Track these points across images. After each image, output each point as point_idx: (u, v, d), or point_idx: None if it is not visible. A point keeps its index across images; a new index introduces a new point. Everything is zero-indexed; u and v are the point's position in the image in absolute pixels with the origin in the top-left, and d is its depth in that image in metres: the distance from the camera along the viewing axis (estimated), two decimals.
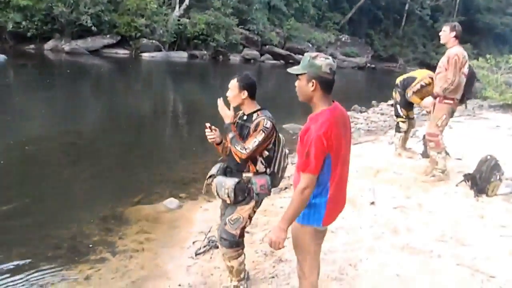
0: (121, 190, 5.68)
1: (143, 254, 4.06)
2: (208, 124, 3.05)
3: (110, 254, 4.03)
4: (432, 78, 5.95)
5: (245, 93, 2.92)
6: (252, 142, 2.82)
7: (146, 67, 21.33)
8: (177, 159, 7.53)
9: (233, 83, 2.94)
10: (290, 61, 28.38)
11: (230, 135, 2.91)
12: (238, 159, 2.90)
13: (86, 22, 20.46)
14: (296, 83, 2.38)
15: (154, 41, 23.28)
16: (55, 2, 19.81)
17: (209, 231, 4.30)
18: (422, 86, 6.14)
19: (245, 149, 2.83)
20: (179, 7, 25.21)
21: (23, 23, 19.35)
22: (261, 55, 28.92)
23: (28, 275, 3.67)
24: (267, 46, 29.48)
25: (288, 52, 29.66)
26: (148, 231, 4.51)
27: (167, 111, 12.19)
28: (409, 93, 6.27)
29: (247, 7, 28.02)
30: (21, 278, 3.62)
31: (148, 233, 4.45)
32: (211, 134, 3.02)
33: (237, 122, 3.01)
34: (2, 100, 10.28)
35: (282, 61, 28.19)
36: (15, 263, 3.83)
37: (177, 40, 24.71)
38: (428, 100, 5.56)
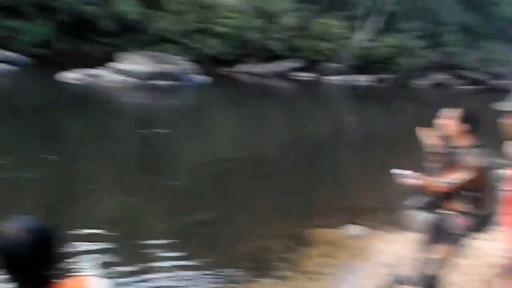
0: (301, 210, 5.77)
1: (322, 278, 4.00)
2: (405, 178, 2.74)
3: (290, 272, 4.08)
4: None
5: (466, 126, 2.68)
6: (455, 178, 2.61)
7: (329, 90, 21.71)
8: (356, 185, 7.33)
9: (454, 113, 2.72)
10: (483, 86, 25.22)
11: (434, 165, 2.76)
12: (437, 192, 2.70)
13: (274, 47, 21.93)
14: (506, 120, 2.08)
15: (337, 64, 23.64)
16: (248, 30, 21.68)
17: (394, 266, 3.99)
18: None
19: (446, 182, 2.63)
20: (364, 30, 25.06)
21: (219, 48, 21.55)
22: (453, 79, 26.62)
23: (209, 278, 3.97)
24: (459, 70, 27.06)
25: (483, 77, 26.60)
26: (329, 255, 4.44)
27: (348, 135, 12.10)
28: None
29: (438, 28, 26.31)
30: (201, 278, 3.94)
31: (328, 257, 4.39)
32: (414, 182, 2.75)
33: (448, 151, 2.76)
34: (203, 119, 11.57)
35: (476, 86, 25.38)
36: (197, 264, 4.22)
37: (360, 63, 24.57)
38: None
